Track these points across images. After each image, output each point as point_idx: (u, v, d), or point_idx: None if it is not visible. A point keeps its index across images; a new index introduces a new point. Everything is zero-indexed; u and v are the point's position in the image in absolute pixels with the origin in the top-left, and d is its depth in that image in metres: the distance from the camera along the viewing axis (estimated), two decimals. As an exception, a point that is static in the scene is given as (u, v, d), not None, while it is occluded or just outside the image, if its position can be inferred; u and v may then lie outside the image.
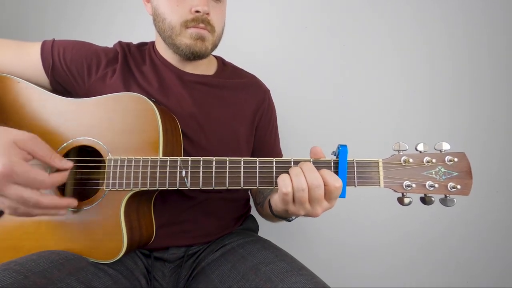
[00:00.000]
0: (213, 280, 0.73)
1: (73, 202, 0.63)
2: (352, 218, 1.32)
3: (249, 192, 0.98)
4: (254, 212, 0.98)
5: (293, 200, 0.59)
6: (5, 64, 0.78)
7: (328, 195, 0.58)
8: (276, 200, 0.65)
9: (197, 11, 0.76)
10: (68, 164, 0.63)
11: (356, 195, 1.27)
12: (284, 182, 0.58)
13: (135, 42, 0.93)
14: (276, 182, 0.61)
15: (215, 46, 0.85)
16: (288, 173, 0.60)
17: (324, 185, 0.57)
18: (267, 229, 1.03)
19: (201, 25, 0.78)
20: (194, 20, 0.77)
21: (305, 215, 0.62)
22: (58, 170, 0.63)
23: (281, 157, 1.00)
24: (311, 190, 0.57)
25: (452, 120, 1.32)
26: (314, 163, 0.62)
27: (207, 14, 0.78)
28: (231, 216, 0.89)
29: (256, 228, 0.97)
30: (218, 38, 0.84)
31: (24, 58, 0.79)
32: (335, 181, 0.57)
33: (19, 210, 0.57)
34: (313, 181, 0.57)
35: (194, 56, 0.81)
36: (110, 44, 0.89)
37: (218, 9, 0.81)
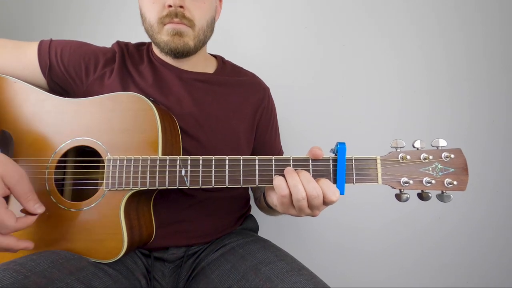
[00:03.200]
0: (213, 280, 0.73)
1: (30, 245, 0.64)
2: (353, 218, 1.32)
3: (249, 191, 0.98)
4: (254, 212, 0.98)
5: (292, 204, 0.60)
6: (2, 64, 0.78)
7: (326, 203, 0.59)
8: (275, 203, 0.66)
9: (170, 6, 0.75)
10: (40, 209, 0.64)
11: (358, 196, 1.27)
12: (280, 186, 0.59)
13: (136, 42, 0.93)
14: None
15: (200, 42, 0.82)
16: (283, 174, 0.61)
17: (323, 196, 0.58)
18: (267, 229, 1.03)
19: (176, 19, 0.76)
20: (168, 15, 0.76)
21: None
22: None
23: (282, 154, 1.01)
24: (310, 200, 0.58)
25: (451, 120, 1.32)
26: (313, 163, 0.63)
27: (181, 7, 0.76)
28: (231, 215, 0.89)
29: (256, 228, 0.97)
30: (202, 33, 0.81)
31: (21, 59, 0.79)
32: (333, 195, 0.58)
33: None
34: (312, 192, 0.57)
35: (174, 53, 0.80)
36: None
37: (197, 1, 0.79)
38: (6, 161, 0.60)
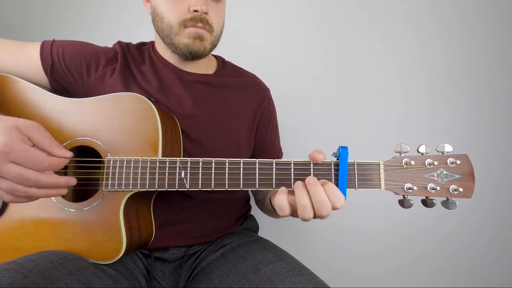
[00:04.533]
0: (213, 280, 0.73)
1: (72, 180, 0.62)
2: (353, 219, 1.32)
3: (249, 191, 0.98)
4: (254, 212, 0.98)
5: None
6: (5, 64, 0.77)
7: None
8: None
9: (196, 11, 0.76)
10: (68, 153, 0.61)
11: (359, 197, 1.27)
12: (281, 207, 0.59)
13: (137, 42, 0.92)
14: (275, 184, 0.62)
15: (214, 46, 0.84)
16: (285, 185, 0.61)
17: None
18: (267, 229, 1.02)
19: (200, 24, 0.78)
20: (193, 19, 0.77)
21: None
22: None
23: (282, 155, 1.02)
24: (317, 212, 0.57)
25: (451, 120, 1.31)
26: (314, 167, 0.62)
27: (206, 13, 0.78)
28: (231, 216, 0.89)
29: (256, 228, 0.97)
30: (216, 38, 0.84)
31: (24, 58, 0.79)
32: (338, 203, 0.57)
33: (18, 192, 0.56)
34: (321, 211, 0.57)
35: (192, 55, 0.81)
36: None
37: (217, 9, 0.81)
38: (15, 117, 0.58)
